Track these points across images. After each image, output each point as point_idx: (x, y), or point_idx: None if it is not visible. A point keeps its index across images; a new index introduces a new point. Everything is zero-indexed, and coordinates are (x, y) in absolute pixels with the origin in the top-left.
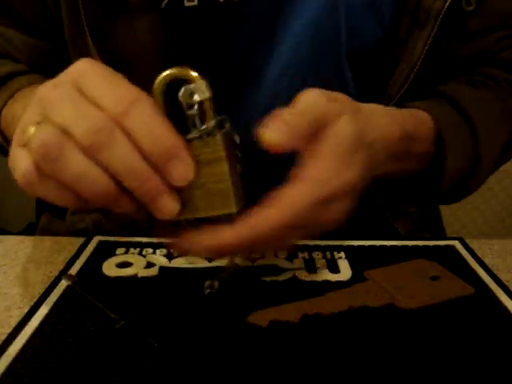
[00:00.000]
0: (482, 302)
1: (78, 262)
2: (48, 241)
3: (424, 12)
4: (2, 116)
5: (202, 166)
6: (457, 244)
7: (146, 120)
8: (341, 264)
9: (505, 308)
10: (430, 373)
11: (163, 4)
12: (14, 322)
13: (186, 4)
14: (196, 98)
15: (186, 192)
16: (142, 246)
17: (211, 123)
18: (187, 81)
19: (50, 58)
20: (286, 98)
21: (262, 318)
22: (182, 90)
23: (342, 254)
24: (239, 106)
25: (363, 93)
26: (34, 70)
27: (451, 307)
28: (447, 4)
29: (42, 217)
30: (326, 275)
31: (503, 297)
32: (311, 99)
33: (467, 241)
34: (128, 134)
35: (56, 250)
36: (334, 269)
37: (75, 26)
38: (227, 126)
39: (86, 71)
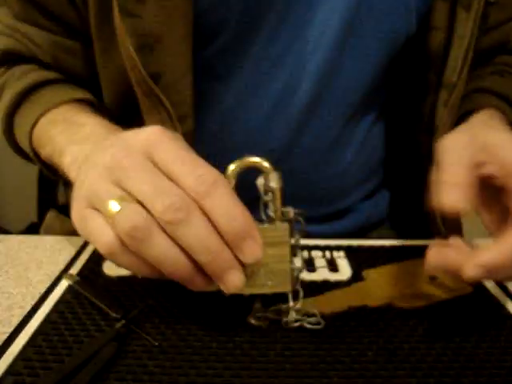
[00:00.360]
0: (480, 301)
1: (79, 261)
2: (49, 240)
3: None
4: (33, 134)
5: (266, 247)
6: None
7: (225, 201)
8: (340, 263)
9: (503, 308)
10: (430, 372)
11: None
12: (15, 322)
13: None
14: (272, 185)
15: (248, 269)
16: None
17: (281, 210)
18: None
19: (74, 56)
20: (313, 76)
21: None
22: (261, 178)
23: (342, 254)
24: (266, 86)
25: (403, 85)
26: (58, 69)
27: (450, 307)
28: None
29: (48, 214)
30: (326, 275)
31: (501, 296)
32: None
33: (467, 240)
34: (205, 213)
35: (57, 250)
36: (334, 268)
37: (102, 6)
38: (293, 215)
39: (158, 141)
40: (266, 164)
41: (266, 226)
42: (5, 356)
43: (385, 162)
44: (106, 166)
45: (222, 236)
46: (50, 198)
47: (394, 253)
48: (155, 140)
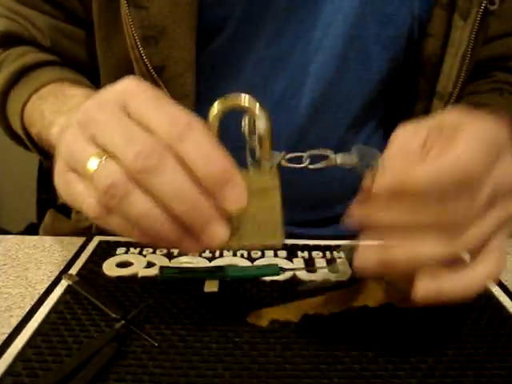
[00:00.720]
0: (480, 301)
1: (78, 261)
2: (48, 241)
3: (466, 1)
4: (25, 111)
5: (253, 195)
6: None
7: (201, 144)
8: (340, 264)
9: (504, 308)
10: (430, 373)
11: None
12: (14, 322)
13: None
14: (258, 127)
15: (235, 220)
16: (142, 245)
17: (270, 153)
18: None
19: (74, 42)
20: (315, 79)
21: (262, 317)
22: (246, 119)
23: (342, 254)
24: (267, 87)
25: (397, 91)
26: (57, 53)
27: (450, 307)
28: None
29: (47, 214)
30: (326, 275)
31: (502, 297)
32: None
33: None
34: (181, 159)
35: (56, 250)
36: (334, 269)
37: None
38: (283, 159)
39: (133, 91)
40: (251, 102)
41: (251, 171)
42: (4, 357)
43: None
44: (79, 122)
45: (200, 183)
46: (50, 198)
47: None
48: (130, 90)
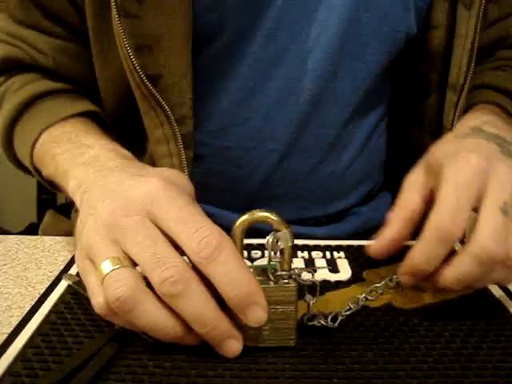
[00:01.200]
0: (481, 301)
1: None
2: (48, 241)
3: None
4: (35, 150)
5: (272, 304)
6: (456, 243)
7: (230, 268)
8: (340, 264)
9: (504, 308)
10: (430, 373)
11: None
12: (14, 322)
13: None
14: (280, 245)
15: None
16: None
17: (289, 272)
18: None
19: (76, 60)
20: (311, 77)
21: None
22: (271, 237)
23: (342, 254)
24: (264, 86)
25: (403, 85)
26: (60, 74)
27: (450, 307)
28: None
29: (47, 214)
30: (326, 275)
31: (502, 296)
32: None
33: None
34: (208, 278)
35: (56, 250)
36: (334, 269)
37: (100, 8)
38: (301, 275)
39: (160, 198)
40: (276, 219)
41: (273, 286)
42: (4, 357)
43: (386, 165)
44: (105, 224)
45: (224, 301)
46: (50, 198)
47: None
48: (156, 196)
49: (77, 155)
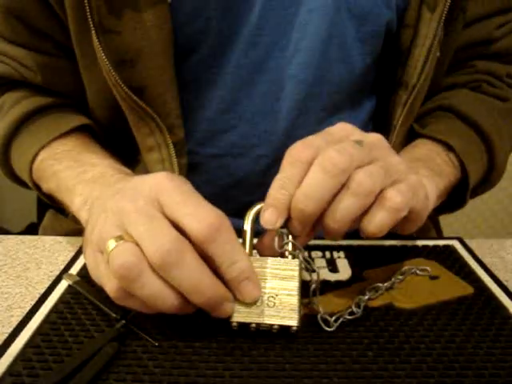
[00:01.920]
0: (480, 301)
1: (78, 261)
2: (49, 240)
3: None
4: (34, 166)
5: (277, 279)
6: (456, 244)
7: (228, 248)
8: (340, 264)
9: (504, 307)
10: (430, 373)
11: None
12: (14, 322)
13: None
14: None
15: (260, 297)
16: None
17: (295, 248)
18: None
19: (64, 75)
20: (296, 82)
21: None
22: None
23: (342, 254)
24: (249, 93)
25: (380, 82)
26: (49, 90)
27: (450, 307)
28: None
29: (47, 214)
30: (326, 275)
31: (502, 296)
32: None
33: (466, 240)
34: (207, 256)
35: (57, 250)
36: (334, 268)
37: (80, 25)
38: (305, 253)
39: (166, 186)
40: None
41: (279, 259)
42: (4, 356)
43: None
44: (114, 212)
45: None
46: None
47: (394, 253)
48: (162, 184)
49: (80, 172)
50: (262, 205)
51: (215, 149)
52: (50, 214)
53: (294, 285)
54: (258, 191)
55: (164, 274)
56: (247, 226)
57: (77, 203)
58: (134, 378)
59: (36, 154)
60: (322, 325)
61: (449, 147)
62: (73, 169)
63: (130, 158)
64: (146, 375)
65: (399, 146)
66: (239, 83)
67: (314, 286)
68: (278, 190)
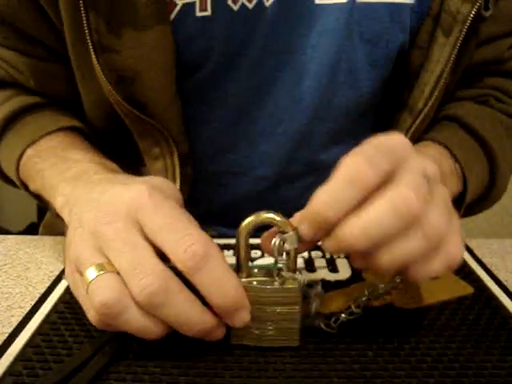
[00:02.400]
0: (481, 301)
1: None
2: (49, 240)
3: (449, 16)
4: (20, 165)
5: (277, 305)
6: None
7: (216, 276)
8: (340, 264)
9: (504, 307)
10: (430, 373)
11: (173, 15)
12: (15, 322)
13: (198, 14)
14: (286, 247)
15: (258, 324)
16: None
17: (295, 273)
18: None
19: (57, 80)
20: (301, 105)
21: None
22: (277, 239)
23: (341, 254)
24: (252, 114)
25: (384, 105)
26: (42, 93)
27: (450, 307)
28: (475, 8)
29: (47, 213)
30: (325, 275)
31: (502, 296)
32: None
33: (466, 240)
34: (195, 285)
35: (57, 250)
36: (333, 268)
37: (78, 42)
38: (304, 277)
39: (146, 204)
40: (282, 220)
41: (278, 287)
42: (4, 356)
43: None
44: (90, 231)
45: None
46: None
47: None
48: (142, 203)
49: (63, 170)
50: (253, 218)
51: (215, 166)
52: (51, 213)
53: (295, 310)
54: (257, 209)
55: (150, 312)
56: (241, 241)
57: (59, 202)
58: (133, 378)
59: (22, 153)
60: (324, 328)
61: (452, 155)
62: (56, 167)
63: (131, 165)
64: (145, 375)
65: None
66: (243, 104)
67: (314, 304)
68: (324, 207)
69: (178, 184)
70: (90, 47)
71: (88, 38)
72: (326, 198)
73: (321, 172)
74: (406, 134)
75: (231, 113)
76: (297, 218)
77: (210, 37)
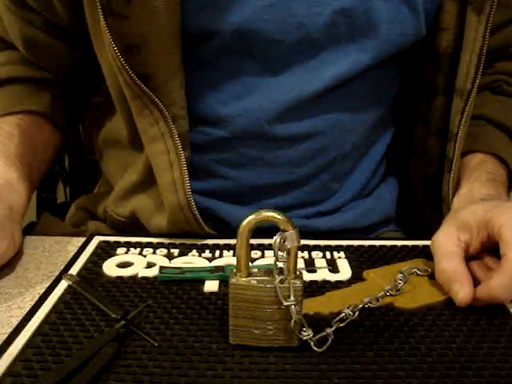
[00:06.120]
0: None
1: (78, 261)
2: (48, 241)
3: None
4: None
5: (277, 305)
6: None
7: None
8: (340, 264)
9: (504, 308)
10: (431, 373)
11: None
12: (14, 322)
13: None
14: (287, 245)
15: (258, 323)
16: (143, 246)
17: (295, 272)
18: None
19: (48, 51)
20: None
21: None
22: (278, 237)
23: (342, 254)
24: (259, 89)
25: (425, 88)
26: (32, 60)
27: (450, 307)
28: None
29: (42, 217)
30: (326, 275)
31: None
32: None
33: None
34: None
35: (56, 250)
36: (334, 269)
37: (90, 8)
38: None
39: None
40: (283, 218)
41: (278, 285)
42: (4, 357)
43: (391, 162)
44: None
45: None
46: (49, 197)
47: (394, 253)
48: None
49: None
50: (253, 216)
51: (221, 131)
52: (45, 216)
53: (296, 308)
54: (271, 171)
55: None
56: (242, 240)
57: None
58: (133, 378)
59: None
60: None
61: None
62: None
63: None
64: (145, 375)
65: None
66: (249, 79)
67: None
68: (502, 293)
69: (184, 165)
70: (100, 12)
71: (98, 2)
72: (502, 289)
73: (328, 188)
74: (460, 117)
75: (238, 87)
76: (478, 292)
77: (219, 9)
